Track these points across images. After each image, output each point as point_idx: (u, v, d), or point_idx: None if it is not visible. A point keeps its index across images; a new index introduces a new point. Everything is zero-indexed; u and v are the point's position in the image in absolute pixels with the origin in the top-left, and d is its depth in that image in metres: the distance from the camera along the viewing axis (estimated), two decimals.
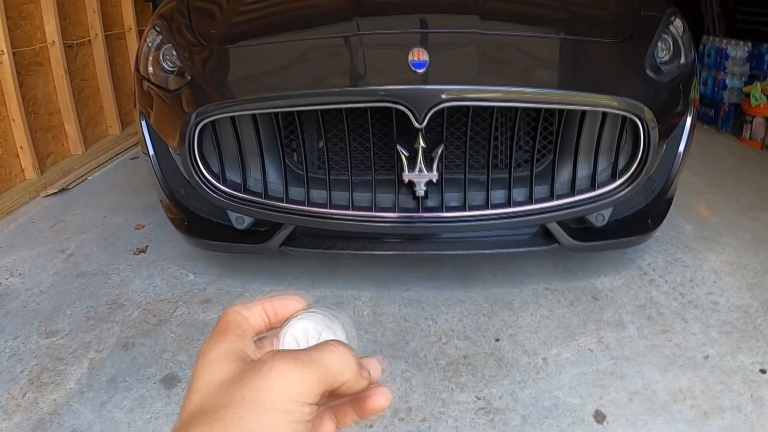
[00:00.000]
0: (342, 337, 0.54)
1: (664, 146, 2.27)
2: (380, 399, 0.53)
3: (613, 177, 2.25)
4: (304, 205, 2.23)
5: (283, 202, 2.24)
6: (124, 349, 2.20)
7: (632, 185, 2.23)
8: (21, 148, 3.57)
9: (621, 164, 2.24)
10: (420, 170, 2.12)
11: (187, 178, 2.28)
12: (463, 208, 2.21)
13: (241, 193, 2.25)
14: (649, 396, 1.94)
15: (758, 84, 4.39)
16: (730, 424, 1.84)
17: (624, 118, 2.15)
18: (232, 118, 2.17)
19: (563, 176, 2.25)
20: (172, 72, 2.33)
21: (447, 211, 2.21)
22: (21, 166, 3.61)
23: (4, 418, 1.89)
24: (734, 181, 3.68)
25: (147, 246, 2.93)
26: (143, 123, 2.44)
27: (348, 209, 2.22)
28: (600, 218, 2.30)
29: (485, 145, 2.22)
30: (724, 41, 4.80)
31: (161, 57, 2.37)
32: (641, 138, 2.16)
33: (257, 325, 0.54)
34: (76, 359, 2.15)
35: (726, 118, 4.74)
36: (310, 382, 0.45)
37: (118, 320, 2.36)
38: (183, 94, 2.23)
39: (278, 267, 2.69)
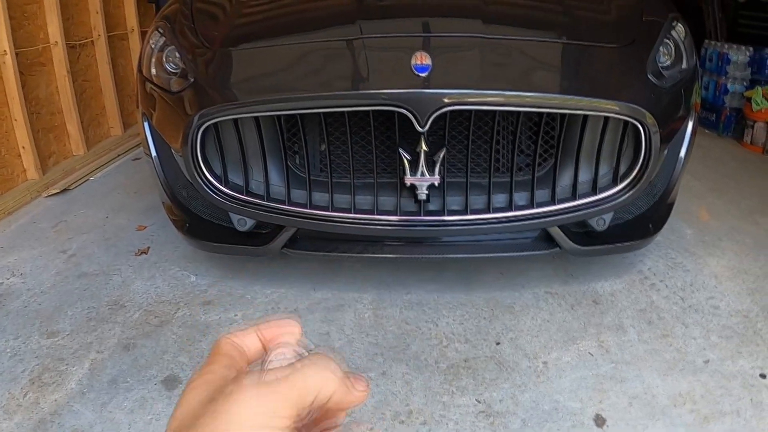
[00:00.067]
0: None
1: (666, 151, 2.28)
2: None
3: (615, 181, 2.25)
4: (306, 208, 2.24)
5: (285, 204, 2.24)
6: (125, 350, 2.21)
7: (633, 190, 2.23)
8: (23, 148, 3.57)
9: (622, 169, 2.25)
10: (422, 174, 2.13)
11: (189, 179, 2.28)
12: (464, 211, 2.22)
13: (243, 195, 2.26)
14: (649, 400, 1.95)
15: (759, 89, 4.39)
16: (730, 428, 1.84)
17: (625, 122, 2.15)
18: (235, 120, 2.17)
19: (564, 180, 2.25)
20: (175, 74, 2.33)
21: (448, 214, 2.22)
22: (23, 166, 3.61)
23: (5, 417, 1.89)
24: (735, 185, 3.68)
25: (148, 247, 2.93)
26: (146, 124, 2.44)
27: (350, 212, 2.22)
28: (601, 222, 2.31)
29: (487, 149, 2.22)
30: (726, 46, 4.81)
31: (164, 59, 2.38)
32: (642, 143, 2.16)
33: (252, 353, 0.52)
34: (77, 360, 2.15)
35: (727, 122, 4.75)
36: (273, 404, 0.44)
37: (120, 321, 2.37)
38: (186, 96, 2.23)
39: (280, 269, 2.69)
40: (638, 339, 2.23)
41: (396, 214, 2.22)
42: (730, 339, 2.23)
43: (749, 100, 4.46)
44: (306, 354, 0.52)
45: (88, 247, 2.94)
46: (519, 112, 2.16)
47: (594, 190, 2.25)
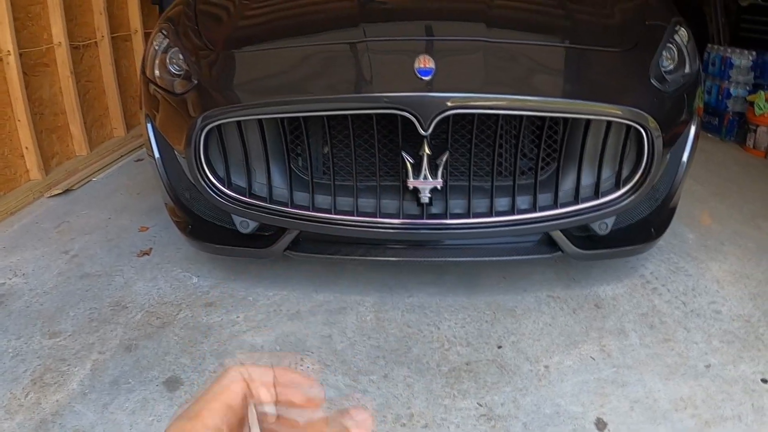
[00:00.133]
0: None
1: (668, 155, 2.28)
2: None
3: (617, 186, 2.25)
4: (309, 210, 2.24)
5: (287, 206, 2.25)
6: (127, 351, 2.21)
7: (636, 194, 2.23)
8: (26, 148, 3.58)
9: (625, 173, 2.25)
10: (425, 177, 2.13)
11: (192, 181, 2.29)
12: (467, 215, 2.22)
13: (246, 197, 2.26)
14: (650, 404, 1.94)
15: (762, 93, 4.39)
16: None
17: (628, 126, 2.16)
18: (238, 122, 2.18)
19: (567, 184, 2.26)
20: (179, 75, 2.34)
21: (451, 218, 2.22)
22: (26, 166, 3.62)
23: (7, 417, 1.89)
24: (738, 190, 3.68)
25: (151, 248, 2.93)
26: (149, 126, 2.45)
27: (352, 215, 2.22)
28: (603, 227, 2.31)
29: (490, 153, 2.23)
30: (729, 50, 4.81)
31: (168, 60, 2.38)
32: (645, 147, 2.17)
33: (259, 393, 0.51)
34: (79, 360, 2.16)
35: (730, 126, 4.74)
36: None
37: (122, 322, 2.37)
38: (189, 97, 2.24)
39: (282, 271, 2.69)
40: (640, 343, 2.23)
41: (398, 217, 2.23)
42: (732, 344, 2.23)
43: (752, 104, 4.46)
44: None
45: (90, 248, 2.95)
46: (522, 116, 2.16)
47: (596, 194, 2.25)
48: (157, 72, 2.41)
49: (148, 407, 1.94)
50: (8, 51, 3.37)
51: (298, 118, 2.18)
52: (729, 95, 4.74)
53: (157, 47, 2.46)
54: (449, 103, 2.02)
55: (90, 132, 4.26)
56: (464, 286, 2.60)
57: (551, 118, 2.18)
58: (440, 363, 2.14)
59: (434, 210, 2.24)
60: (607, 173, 2.26)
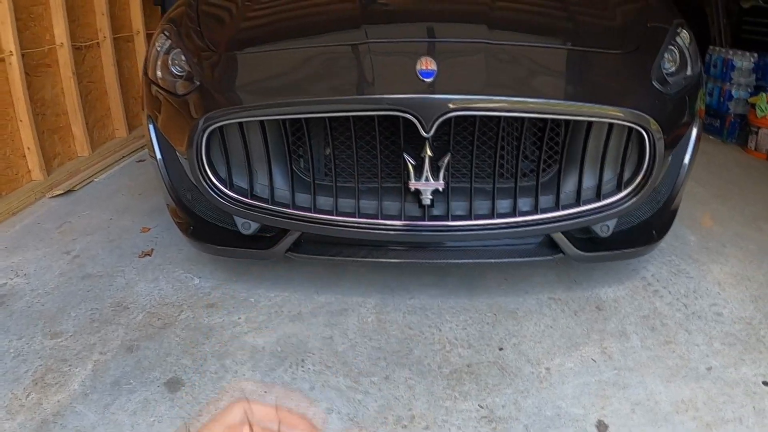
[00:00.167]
0: None
1: (670, 157, 2.28)
2: None
3: (619, 188, 2.25)
4: (311, 212, 2.24)
5: (289, 208, 2.25)
6: (128, 351, 2.21)
7: (637, 196, 2.23)
8: (28, 148, 3.58)
9: (626, 175, 2.25)
10: (426, 179, 2.13)
11: (194, 182, 2.29)
12: (468, 217, 2.22)
13: (247, 198, 2.26)
14: (651, 407, 1.94)
15: (764, 95, 4.39)
16: None
17: (630, 129, 2.16)
18: (240, 123, 2.18)
19: (569, 186, 2.26)
20: (181, 77, 2.34)
21: (453, 219, 2.22)
22: (28, 166, 3.62)
23: (8, 418, 1.90)
24: (739, 191, 3.68)
25: (152, 249, 2.94)
26: (151, 127, 2.45)
27: (354, 216, 2.23)
28: (605, 229, 2.31)
29: (491, 155, 2.23)
30: (730, 52, 4.81)
31: (170, 61, 2.38)
32: (647, 149, 2.17)
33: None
34: (80, 361, 2.16)
35: (731, 128, 4.74)
36: None
37: (123, 323, 2.37)
38: (191, 99, 2.24)
39: (283, 273, 2.70)
40: (641, 345, 2.23)
41: (400, 219, 2.23)
42: (733, 346, 2.23)
43: (753, 106, 4.46)
44: None
45: (92, 249, 2.95)
46: (524, 118, 2.16)
47: (598, 197, 2.25)
48: (159, 73, 2.42)
49: (150, 408, 1.94)
50: (10, 51, 3.37)
51: (299, 119, 2.18)
52: (730, 97, 4.74)
53: (159, 48, 2.46)
54: (451, 105, 2.02)
55: (92, 133, 4.26)
56: (466, 287, 2.60)
57: (553, 120, 2.18)
58: (441, 365, 2.14)
59: (436, 212, 2.24)
60: (608, 175, 2.26)
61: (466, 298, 2.52)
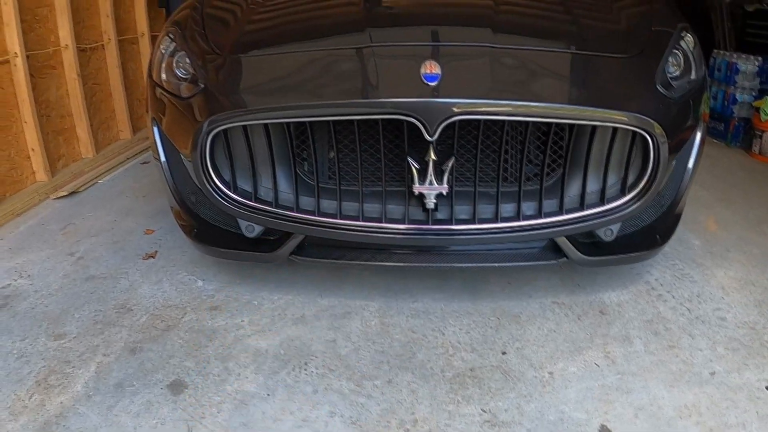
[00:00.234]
0: None
1: (674, 161, 2.28)
2: None
3: (623, 192, 2.25)
4: (314, 215, 2.24)
5: (293, 211, 2.25)
6: (131, 353, 2.21)
7: (641, 200, 2.23)
8: (32, 150, 3.59)
9: (630, 179, 2.25)
10: (430, 183, 2.13)
11: (198, 185, 2.29)
12: (472, 220, 2.22)
13: (251, 201, 2.27)
14: (654, 412, 1.94)
15: None
16: None
17: (634, 133, 2.15)
18: (244, 126, 2.18)
19: (572, 190, 2.26)
20: (185, 79, 2.34)
21: (456, 223, 2.22)
22: (32, 168, 3.64)
23: (11, 419, 1.90)
24: (743, 195, 3.68)
25: (156, 251, 2.94)
26: (155, 129, 2.45)
27: (358, 220, 2.23)
28: (609, 233, 2.31)
29: (495, 159, 2.23)
30: (735, 55, 4.81)
31: (174, 64, 2.39)
32: (651, 153, 2.17)
33: None
34: (83, 362, 2.16)
35: (736, 132, 4.74)
36: None
37: (126, 325, 2.37)
38: (195, 101, 2.25)
39: (287, 275, 2.70)
40: (645, 350, 2.23)
41: (404, 223, 2.23)
42: (737, 351, 2.23)
43: (758, 110, 4.46)
44: None
45: (95, 250, 2.96)
46: (528, 122, 2.16)
47: (602, 201, 2.25)
48: (163, 75, 2.42)
49: (153, 410, 1.94)
50: (15, 53, 3.39)
51: (304, 123, 2.19)
52: (735, 101, 4.74)
53: (163, 51, 2.46)
54: (455, 109, 2.02)
55: (96, 134, 4.28)
56: (469, 291, 2.59)
57: (557, 124, 2.18)
58: (444, 369, 2.14)
59: (440, 215, 2.24)
60: (612, 179, 2.26)
61: (470, 302, 2.52)
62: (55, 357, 2.18)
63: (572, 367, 2.14)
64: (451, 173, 2.15)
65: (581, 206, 2.24)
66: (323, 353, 2.22)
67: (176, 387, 2.04)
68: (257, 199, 2.28)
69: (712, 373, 2.11)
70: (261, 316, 2.42)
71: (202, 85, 2.25)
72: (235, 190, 2.28)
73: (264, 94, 2.25)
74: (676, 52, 2.36)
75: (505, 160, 2.25)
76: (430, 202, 2.17)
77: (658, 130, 2.12)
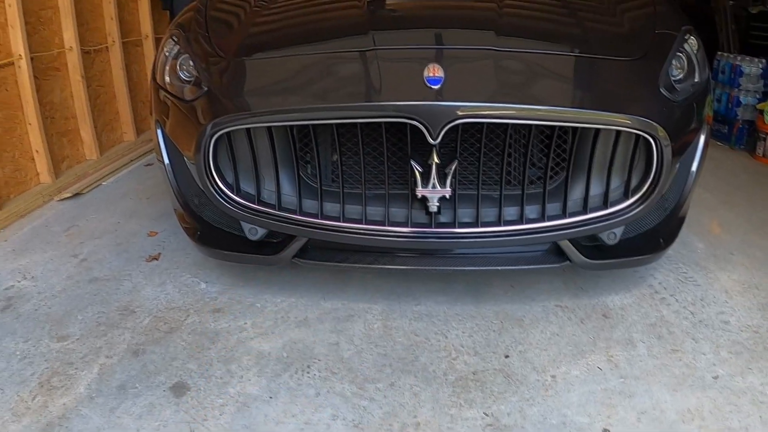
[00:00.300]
0: None
1: (677, 164, 2.27)
2: None
3: (626, 195, 2.25)
4: (317, 218, 2.25)
5: (296, 214, 2.25)
6: (134, 355, 2.22)
7: (645, 204, 2.23)
8: (36, 151, 3.60)
9: (634, 182, 2.25)
10: (433, 186, 2.13)
11: (201, 188, 2.29)
12: (475, 224, 2.22)
13: (254, 204, 2.27)
14: (657, 416, 1.94)
15: None
16: None
17: (637, 136, 2.15)
18: (248, 129, 2.19)
19: (576, 194, 2.25)
20: (189, 82, 2.35)
21: (460, 226, 2.22)
22: (36, 169, 3.65)
23: (14, 420, 1.90)
24: (747, 198, 3.67)
25: (160, 253, 2.95)
26: (159, 132, 2.46)
27: (361, 223, 2.23)
28: (612, 236, 2.30)
29: (498, 162, 2.23)
30: (739, 58, 4.80)
31: (178, 67, 2.40)
32: (654, 156, 2.16)
33: None
34: (86, 364, 2.16)
35: (739, 135, 4.73)
36: None
37: (129, 327, 2.38)
38: (199, 104, 2.25)
39: (290, 278, 2.70)
40: (648, 354, 2.23)
41: (407, 226, 2.23)
42: (740, 355, 2.22)
43: (762, 112, 4.45)
44: None
45: (99, 252, 2.96)
46: (531, 125, 2.16)
47: (605, 204, 2.25)
48: (167, 78, 2.43)
49: (155, 412, 1.94)
50: (20, 55, 3.40)
51: (307, 126, 2.19)
52: (739, 103, 4.73)
53: (167, 53, 2.47)
54: (458, 112, 2.02)
55: (100, 136, 4.29)
56: (472, 294, 2.59)
57: (560, 127, 2.18)
58: (447, 372, 2.14)
59: (443, 219, 2.24)
60: (616, 183, 2.26)
61: (473, 305, 2.52)
62: (58, 358, 2.19)
63: (575, 371, 2.14)
64: (454, 176, 2.15)
65: (584, 209, 2.24)
66: (326, 356, 2.22)
67: (179, 389, 2.05)
68: (260, 202, 2.28)
69: (716, 377, 2.11)
70: (264, 319, 2.42)
71: (206, 88, 2.26)
72: (239, 193, 2.28)
73: (267, 97, 2.26)
74: (680, 54, 2.36)
75: (508, 163, 2.25)
76: (433, 206, 2.17)
77: (661, 133, 2.11)
